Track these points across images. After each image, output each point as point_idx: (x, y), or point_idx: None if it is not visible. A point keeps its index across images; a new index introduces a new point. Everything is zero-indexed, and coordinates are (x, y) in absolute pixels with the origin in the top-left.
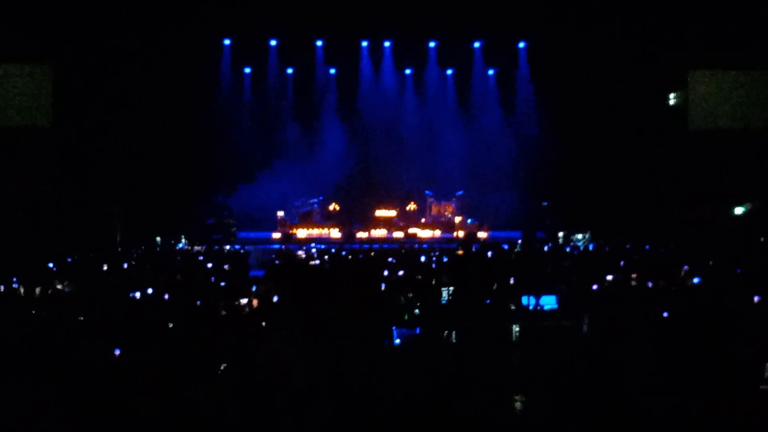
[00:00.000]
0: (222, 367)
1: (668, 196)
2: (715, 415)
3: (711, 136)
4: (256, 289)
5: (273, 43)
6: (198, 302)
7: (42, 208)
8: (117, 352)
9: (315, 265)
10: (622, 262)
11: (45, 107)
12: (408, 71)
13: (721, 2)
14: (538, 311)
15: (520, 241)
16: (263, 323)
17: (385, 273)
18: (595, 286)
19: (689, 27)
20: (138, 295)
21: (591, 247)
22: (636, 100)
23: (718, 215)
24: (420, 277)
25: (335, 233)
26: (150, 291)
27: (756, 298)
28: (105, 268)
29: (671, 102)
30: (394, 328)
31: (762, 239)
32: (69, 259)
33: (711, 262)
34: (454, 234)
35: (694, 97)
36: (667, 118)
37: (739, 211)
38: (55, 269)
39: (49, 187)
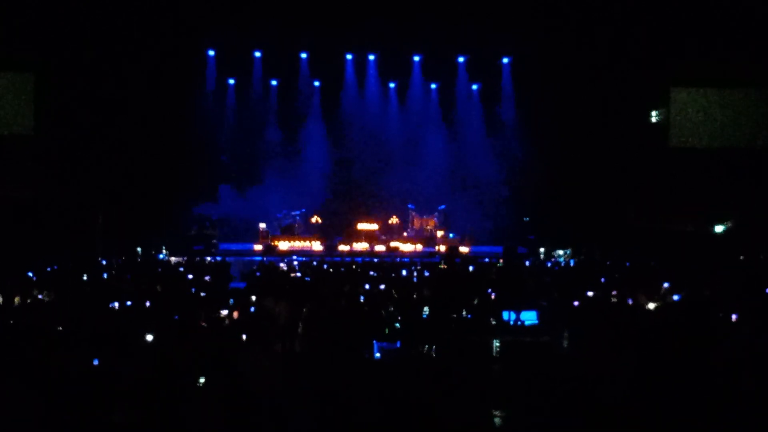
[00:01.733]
0: (201, 379)
1: (649, 213)
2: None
3: (692, 153)
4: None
5: (257, 54)
6: (178, 313)
7: (22, 216)
8: (95, 362)
9: (296, 277)
10: (602, 279)
11: (27, 115)
12: (392, 84)
13: (703, 22)
14: (519, 326)
15: (501, 257)
16: (244, 335)
17: (367, 286)
18: (575, 302)
19: (671, 45)
20: (117, 305)
21: (572, 262)
22: (618, 117)
23: (698, 232)
24: (401, 290)
25: (317, 246)
26: (129, 302)
27: (734, 317)
28: (85, 278)
29: (653, 119)
30: (374, 341)
31: (741, 257)
32: (49, 269)
33: (691, 280)
34: (436, 248)
35: (676, 114)
36: (649, 136)
37: (719, 229)
38: (34, 278)
39: (30, 195)
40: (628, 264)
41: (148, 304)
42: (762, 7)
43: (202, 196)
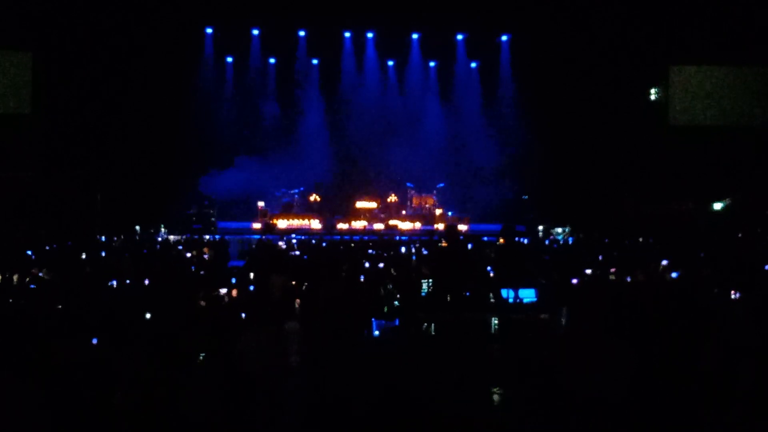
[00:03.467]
0: (201, 358)
1: (648, 191)
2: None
3: (691, 131)
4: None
5: (255, 32)
6: (176, 292)
7: (21, 196)
8: (94, 341)
9: (295, 255)
10: (600, 257)
11: (24, 95)
12: (390, 63)
13: None
14: (517, 304)
15: (500, 235)
16: (243, 314)
17: (366, 265)
18: (574, 280)
19: (670, 23)
20: (115, 284)
21: (570, 240)
22: (617, 94)
23: (697, 210)
24: (400, 268)
25: (316, 224)
26: (128, 280)
27: (734, 294)
28: (83, 256)
29: (652, 97)
30: (373, 319)
31: (740, 235)
32: (47, 248)
33: (689, 257)
34: (435, 226)
35: (675, 92)
36: (648, 114)
37: (717, 206)
38: (33, 257)
39: (28, 175)
40: (626, 242)
41: (147, 282)
42: None
43: (201, 174)
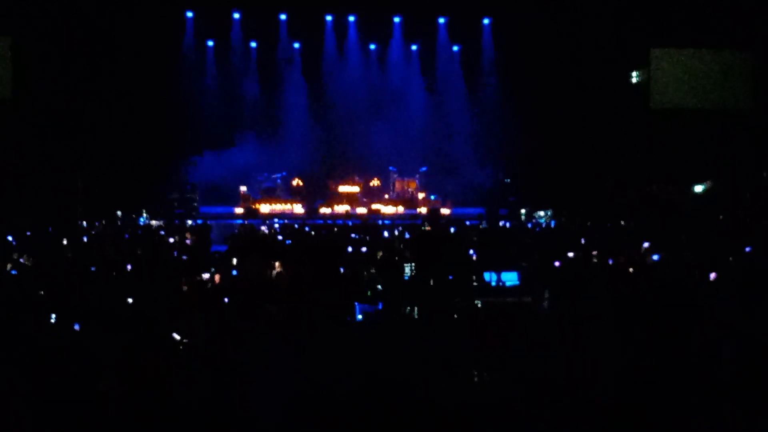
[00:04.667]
0: (184, 341)
1: (629, 174)
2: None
3: (673, 114)
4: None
5: (236, 16)
6: (159, 277)
7: (1, 181)
8: (76, 327)
9: (277, 240)
10: (583, 240)
11: (4, 79)
12: (372, 46)
13: None
14: (500, 287)
15: (483, 218)
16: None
17: (348, 249)
18: (556, 263)
19: (652, 5)
20: (97, 269)
21: (553, 224)
22: (598, 77)
23: (679, 193)
24: (382, 253)
25: (298, 209)
26: (110, 266)
27: (712, 276)
28: (65, 242)
29: (633, 80)
30: (356, 303)
31: (720, 217)
32: (28, 233)
33: (671, 240)
34: (417, 210)
35: (657, 75)
36: (630, 97)
37: (698, 189)
38: (14, 243)
39: (8, 160)
40: (608, 225)
41: (129, 267)
42: None
43: (182, 159)
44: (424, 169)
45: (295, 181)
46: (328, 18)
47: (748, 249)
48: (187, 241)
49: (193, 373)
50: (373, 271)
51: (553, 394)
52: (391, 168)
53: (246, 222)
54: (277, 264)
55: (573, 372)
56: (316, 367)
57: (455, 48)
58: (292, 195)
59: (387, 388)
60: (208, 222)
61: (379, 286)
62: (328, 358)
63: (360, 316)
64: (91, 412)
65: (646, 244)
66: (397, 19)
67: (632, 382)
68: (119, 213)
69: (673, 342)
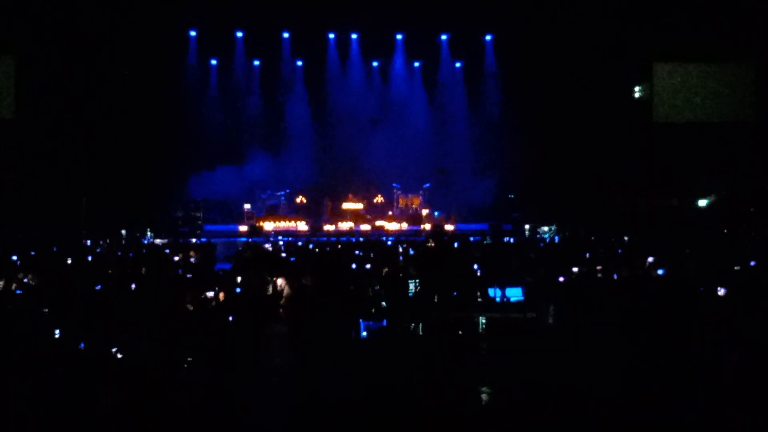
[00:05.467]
0: (188, 360)
1: (633, 188)
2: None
3: (675, 128)
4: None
5: (239, 34)
6: (163, 295)
7: (6, 199)
8: (81, 346)
9: (282, 257)
10: (587, 254)
11: (7, 99)
12: (375, 63)
13: None
14: (505, 303)
15: (487, 234)
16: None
17: (353, 266)
18: (560, 278)
19: (654, 20)
20: (102, 288)
21: (557, 239)
22: (602, 92)
23: (682, 206)
24: (387, 269)
25: (302, 226)
26: (115, 284)
27: (721, 291)
28: (69, 261)
29: (636, 95)
30: (361, 320)
31: (725, 231)
32: (33, 252)
33: (675, 254)
34: (421, 227)
35: (659, 89)
36: (633, 111)
37: (702, 203)
38: (18, 262)
39: (13, 179)
40: (612, 239)
41: (133, 286)
42: None
43: (187, 177)
44: (427, 185)
45: (299, 199)
46: (331, 36)
47: (752, 263)
48: (192, 259)
49: (197, 389)
50: (377, 287)
51: (555, 402)
52: (394, 185)
53: (250, 240)
54: (280, 281)
55: (576, 381)
56: (321, 382)
57: (458, 64)
58: (296, 212)
59: (392, 402)
60: (213, 240)
61: (384, 303)
62: (333, 374)
63: (364, 333)
64: (93, 425)
65: (650, 259)
66: (399, 36)
67: (638, 394)
68: (123, 232)
69: (677, 352)
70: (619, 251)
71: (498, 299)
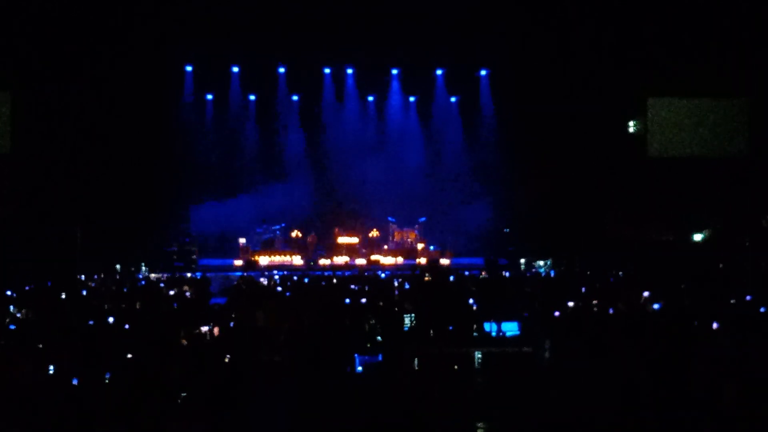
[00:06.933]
0: (182, 395)
1: (628, 222)
2: None
3: (670, 163)
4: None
5: (235, 69)
6: (158, 330)
7: (0, 235)
8: (74, 381)
9: (277, 292)
10: (583, 289)
11: (3, 133)
12: (371, 98)
13: (680, 31)
14: (501, 337)
15: (482, 268)
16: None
17: (347, 300)
18: (556, 313)
19: (648, 55)
20: (96, 323)
21: (552, 273)
22: (596, 127)
23: (678, 241)
24: (382, 303)
25: (297, 260)
26: (110, 319)
27: (715, 325)
28: (63, 295)
29: (631, 129)
30: (356, 355)
31: (720, 266)
32: (27, 287)
33: (671, 289)
34: (417, 261)
35: (654, 124)
36: (627, 146)
37: (698, 237)
38: (13, 296)
39: (7, 214)
40: (608, 274)
41: (127, 323)
42: (736, 19)
43: (181, 211)
44: (423, 219)
45: (294, 233)
46: (327, 71)
47: (748, 297)
48: (187, 294)
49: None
50: (373, 322)
51: None
52: (390, 218)
53: (245, 274)
54: (275, 315)
55: (573, 416)
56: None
57: (453, 99)
58: (291, 246)
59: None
60: (208, 274)
61: (379, 338)
62: (329, 409)
63: (360, 367)
64: None
65: (646, 294)
66: (395, 71)
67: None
68: (118, 267)
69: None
70: (615, 286)
71: (494, 334)
